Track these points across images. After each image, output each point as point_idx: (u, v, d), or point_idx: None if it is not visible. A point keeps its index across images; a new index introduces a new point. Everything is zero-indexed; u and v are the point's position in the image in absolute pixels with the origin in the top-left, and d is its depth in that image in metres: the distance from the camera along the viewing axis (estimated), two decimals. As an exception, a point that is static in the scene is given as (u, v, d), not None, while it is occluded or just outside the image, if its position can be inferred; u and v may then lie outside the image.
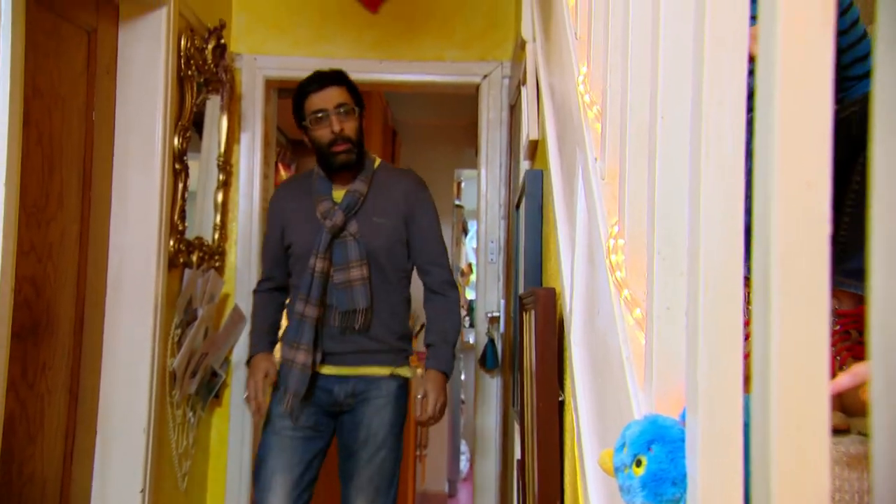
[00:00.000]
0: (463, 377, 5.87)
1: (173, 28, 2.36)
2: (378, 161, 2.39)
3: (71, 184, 2.09)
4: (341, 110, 2.24)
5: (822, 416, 0.44)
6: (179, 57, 2.44)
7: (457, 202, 5.93)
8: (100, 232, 2.24)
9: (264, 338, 2.38)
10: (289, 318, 2.32)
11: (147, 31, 2.32)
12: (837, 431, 0.76)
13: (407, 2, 3.13)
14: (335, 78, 2.28)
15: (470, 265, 6.64)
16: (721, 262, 0.57)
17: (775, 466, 0.44)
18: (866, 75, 1.33)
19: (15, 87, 1.60)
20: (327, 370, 2.27)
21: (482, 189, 3.16)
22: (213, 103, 2.83)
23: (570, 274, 1.16)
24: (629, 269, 0.85)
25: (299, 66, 2.81)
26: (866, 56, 1.37)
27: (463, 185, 6.48)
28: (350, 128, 2.25)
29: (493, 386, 3.07)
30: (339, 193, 2.28)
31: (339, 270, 2.21)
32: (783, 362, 0.44)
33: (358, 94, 2.33)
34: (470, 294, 6.43)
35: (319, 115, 2.24)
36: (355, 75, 3.08)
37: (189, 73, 2.49)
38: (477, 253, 3.46)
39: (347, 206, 2.24)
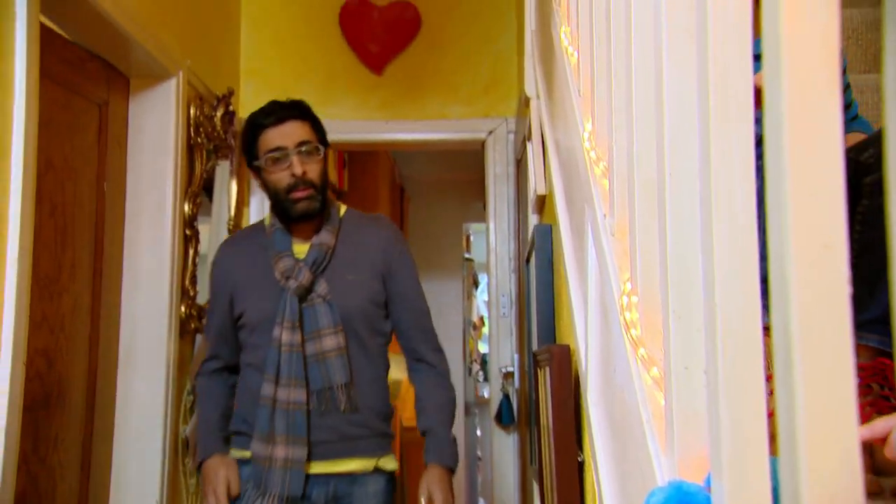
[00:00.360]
0: (479, 433, 5.80)
1: (182, 98, 2.40)
2: (343, 208, 1.99)
3: (83, 254, 2.10)
4: (303, 149, 1.81)
5: (856, 481, 0.43)
6: (189, 125, 2.47)
7: (466, 255, 5.94)
8: (111, 301, 2.24)
9: (215, 433, 1.90)
10: (246, 404, 1.87)
11: (157, 101, 2.35)
12: (871, 494, 0.74)
13: (410, 63, 3.18)
14: (297, 110, 1.85)
15: (482, 318, 6.61)
16: (738, 319, 0.56)
17: (809, 537, 0.42)
18: (847, 122, 1.42)
19: (28, 163, 1.62)
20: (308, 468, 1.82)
21: (492, 243, 3.16)
22: (223, 168, 2.86)
23: (584, 331, 1.14)
24: (644, 326, 0.83)
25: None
26: (849, 105, 1.50)
27: (472, 238, 6.50)
28: (314, 170, 1.83)
29: (509, 442, 3.02)
30: (301, 248, 1.87)
31: (310, 340, 1.81)
32: (810, 426, 0.43)
33: (322, 131, 1.90)
34: (483, 347, 6.39)
35: (277, 154, 1.80)
36: (362, 136, 3.13)
37: (199, 140, 2.52)
38: (489, 307, 3.45)
39: (314, 261, 1.83)
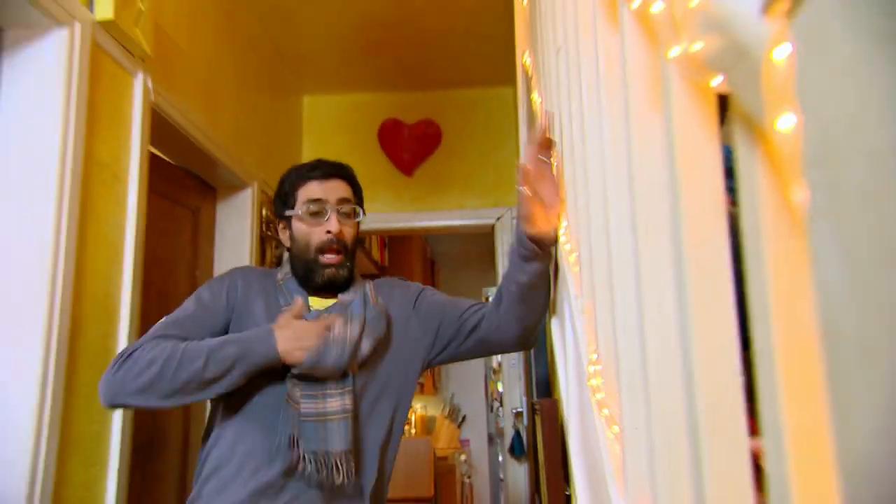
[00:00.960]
0: (500, 459, 5.68)
1: (256, 201, 2.48)
2: (369, 283, 1.40)
3: (180, 327, 2.15)
4: (343, 209, 1.36)
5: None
6: (262, 222, 2.54)
7: (486, 313, 5.92)
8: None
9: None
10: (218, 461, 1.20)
11: (237, 206, 2.43)
12: None
13: (435, 167, 3.26)
14: (343, 171, 1.40)
15: (500, 364, 6.55)
16: (667, 393, 0.57)
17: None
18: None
19: (137, 261, 1.68)
20: None
21: (502, 307, 3.15)
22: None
23: (565, 391, 1.14)
24: (607, 391, 0.84)
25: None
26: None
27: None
28: (349, 233, 1.36)
29: (521, 470, 2.97)
30: (319, 303, 1.34)
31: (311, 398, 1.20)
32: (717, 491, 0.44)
33: (362, 198, 1.42)
34: (501, 387, 6.31)
35: (316, 207, 1.34)
36: (398, 224, 3.19)
37: (268, 233, 2.59)
38: (503, 357, 3.43)
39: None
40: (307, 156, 3.26)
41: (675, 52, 0.45)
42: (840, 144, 0.24)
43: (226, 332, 1.25)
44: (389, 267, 4.45)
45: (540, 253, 1.26)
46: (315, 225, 1.33)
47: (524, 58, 1.94)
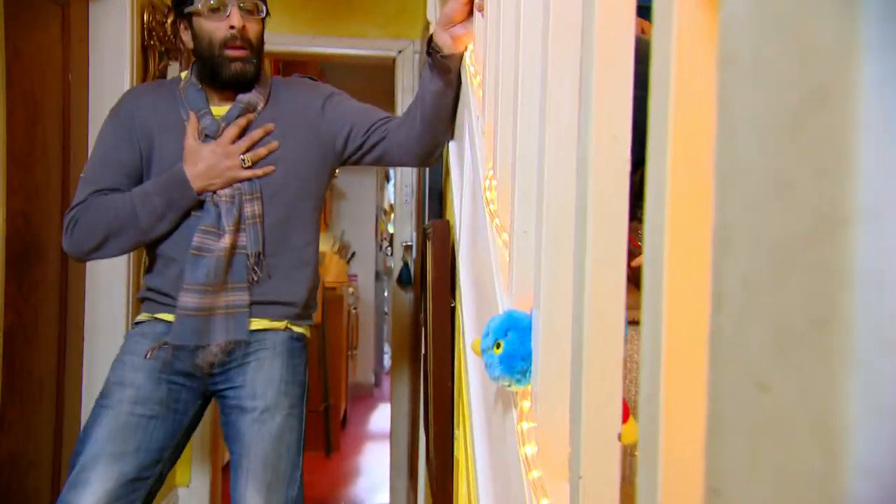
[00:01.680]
0: (386, 294, 5.92)
1: (137, 4, 2.23)
2: (271, 76, 1.47)
3: (53, 133, 1.98)
4: (246, 4, 1.31)
5: (619, 306, 0.49)
6: (143, 29, 2.31)
7: (380, 154, 5.87)
8: (79, 170, 2.13)
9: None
10: (169, 260, 1.34)
11: (114, 7, 2.18)
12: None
13: (336, -12, 3.04)
14: None
15: (391, 205, 6.62)
16: (558, 197, 0.61)
17: (587, 344, 0.48)
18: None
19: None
20: None
21: (398, 143, 3.13)
22: (173, 68, 2.70)
23: (459, 209, 1.19)
24: (500, 203, 0.88)
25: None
26: None
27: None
28: (253, 29, 1.33)
29: (407, 300, 3.11)
30: (220, 110, 1.35)
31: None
32: (595, 269, 0.48)
33: None
34: (391, 229, 6.43)
35: (215, 3, 1.29)
36: (292, 47, 3.00)
37: (151, 42, 2.36)
38: (395, 196, 3.46)
39: (234, 118, 1.34)
40: (194, -41, 2.93)
41: None
42: None
43: (142, 164, 1.34)
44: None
45: (450, 67, 1.29)
46: (216, 20, 1.30)
47: None
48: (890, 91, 0.18)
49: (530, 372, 0.63)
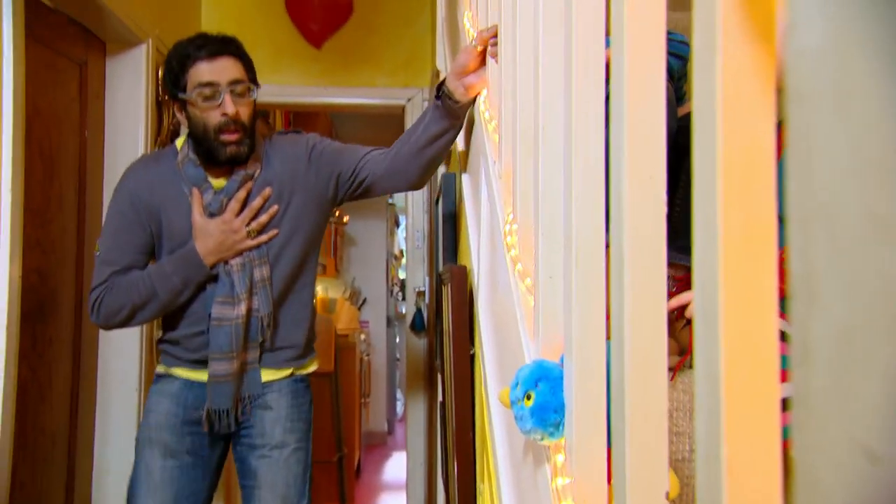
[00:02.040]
0: (398, 340, 5.87)
1: (151, 61, 2.27)
2: (265, 137, 1.51)
3: (68, 189, 1.99)
4: (237, 89, 1.36)
5: (661, 354, 0.46)
6: (157, 85, 2.35)
7: (389, 201, 5.91)
8: (94, 231, 2.14)
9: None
10: (184, 326, 1.44)
11: (130, 64, 2.22)
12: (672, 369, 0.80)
13: (345, 39, 3.09)
14: (231, 47, 1.39)
15: (401, 251, 6.63)
16: (588, 241, 0.59)
17: (629, 395, 0.45)
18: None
19: (18, 109, 1.52)
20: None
21: (409, 190, 3.14)
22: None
23: (476, 254, 1.17)
24: (521, 248, 0.86)
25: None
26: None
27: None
28: (245, 112, 1.37)
29: (420, 346, 3.08)
30: (218, 183, 1.42)
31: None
32: (633, 316, 0.46)
33: (253, 71, 1.44)
34: (402, 274, 6.42)
35: (208, 91, 1.34)
36: (304, 99, 3.04)
37: (166, 98, 2.40)
38: (406, 241, 3.45)
39: (233, 191, 1.40)
40: (206, 15, 2.99)
41: None
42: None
43: (153, 240, 1.42)
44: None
45: (459, 114, 1.35)
46: (209, 109, 1.35)
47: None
48: None
49: (563, 424, 0.60)
